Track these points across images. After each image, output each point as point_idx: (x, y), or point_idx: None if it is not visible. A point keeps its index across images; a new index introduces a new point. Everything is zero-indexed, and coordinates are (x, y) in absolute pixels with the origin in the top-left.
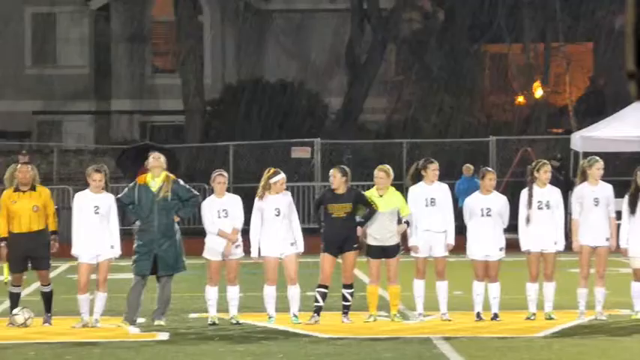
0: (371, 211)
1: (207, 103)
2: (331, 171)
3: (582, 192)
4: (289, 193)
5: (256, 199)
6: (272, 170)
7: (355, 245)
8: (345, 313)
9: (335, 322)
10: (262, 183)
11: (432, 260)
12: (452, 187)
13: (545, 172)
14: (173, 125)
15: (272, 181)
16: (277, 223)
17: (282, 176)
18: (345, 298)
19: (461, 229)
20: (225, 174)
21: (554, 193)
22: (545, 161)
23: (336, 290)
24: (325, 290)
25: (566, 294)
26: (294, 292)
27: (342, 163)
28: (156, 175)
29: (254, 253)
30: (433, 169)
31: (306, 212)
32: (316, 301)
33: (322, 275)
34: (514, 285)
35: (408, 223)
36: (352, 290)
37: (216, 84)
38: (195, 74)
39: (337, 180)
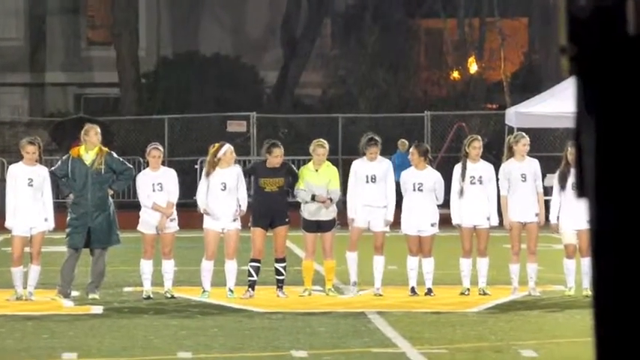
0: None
1: (142, 75)
2: (275, 150)
3: (509, 168)
4: (238, 167)
5: (203, 174)
6: (217, 145)
7: (287, 219)
8: (280, 287)
9: (270, 297)
10: (208, 159)
11: (371, 235)
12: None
13: (474, 147)
14: (108, 98)
15: (220, 153)
16: (222, 198)
17: (228, 146)
18: (278, 272)
19: (398, 204)
20: (161, 147)
21: (487, 169)
22: (476, 136)
23: (271, 264)
24: (258, 264)
25: (500, 270)
26: (231, 267)
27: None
28: (89, 148)
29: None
30: (373, 150)
31: None
32: (250, 275)
33: (254, 249)
34: (449, 260)
35: (331, 199)
36: (285, 264)
37: (152, 57)
38: (130, 47)
39: (279, 158)
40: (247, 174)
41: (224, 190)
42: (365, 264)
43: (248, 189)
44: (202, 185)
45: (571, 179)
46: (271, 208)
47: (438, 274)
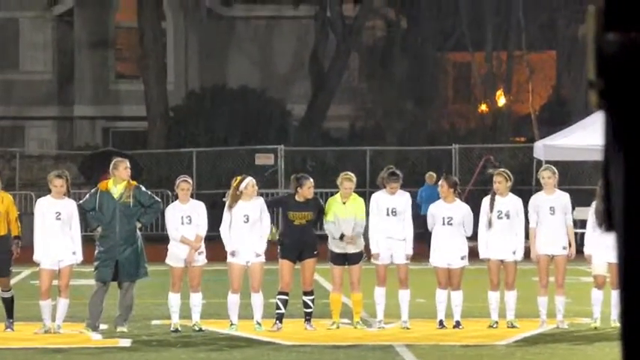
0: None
1: (170, 109)
2: (307, 182)
3: (537, 201)
4: (261, 199)
5: (226, 208)
6: (239, 178)
7: (315, 252)
8: (308, 320)
9: (297, 330)
10: (231, 192)
11: (395, 268)
12: (414, 195)
13: (494, 182)
14: (136, 131)
15: (242, 186)
16: (245, 230)
17: (250, 179)
18: (306, 305)
19: (424, 237)
20: (190, 180)
21: (515, 203)
22: (500, 171)
23: (298, 297)
24: (286, 297)
25: (529, 302)
26: (257, 300)
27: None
28: (118, 182)
29: (230, 249)
30: (394, 185)
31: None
32: (277, 308)
33: (282, 282)
34: (477, 293)
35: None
36: (313, 297)
37: (179, 90)
38: (158, 80)
39: (312, 189)
40: (274, 205)
41: (247, 223)
42: (392, 296)
43: (273, 221)
44: (225, 218)
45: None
46: (300, 240)
47: (466, 307)
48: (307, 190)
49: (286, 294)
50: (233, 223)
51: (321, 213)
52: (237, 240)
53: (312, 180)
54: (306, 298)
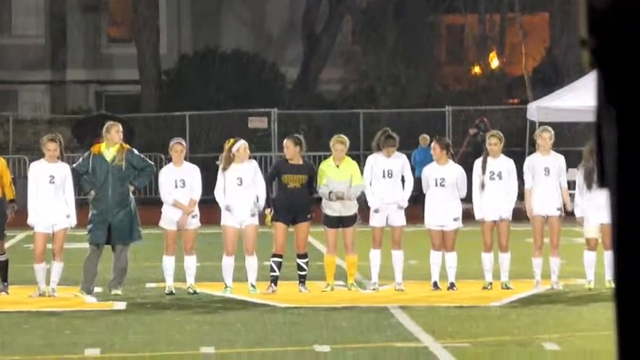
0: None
1: (163, 72)
2: (285, 141)
3: (533, 162)
4: (254, 161)
5: (219, 171)
6: (232, 141)
7: (309, 216)
8: (302, 283)
9: (292, 292)
10: (224, 155)
11: (389, 230)
12: (408, 158)
13: (488, 144)
14: (128, 95)
15: (234, 149)
16: (239, 193)
17: (242, 142)
18: (300, 268)
19: (418, 199)
20: (183, 142)
21: (507, 164)
22: (494, 132)
23: (293, 260)
24: (280, 259)
25: (523, 264)
26: (251, 262)
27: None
28: (111, 145)
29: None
30: (391, 149)
31: None
32: (272, 270)
33: (276, 245)
34: (471, 255)
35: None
36: (306, 260)
37: (172, 54)
38: (151, 44)
39: (291, 150)
40: (272, 177)
41: (240, 186)
42: (386, 259)
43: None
44: (219, 181)
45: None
46: (293, 204)
47: (460, 269)
48: (288, 149)
49: (280, 256)
50: (226, 185)
51: (313, 177)
52: (231, 202)
53: (294, 140)
54: (300, 261)
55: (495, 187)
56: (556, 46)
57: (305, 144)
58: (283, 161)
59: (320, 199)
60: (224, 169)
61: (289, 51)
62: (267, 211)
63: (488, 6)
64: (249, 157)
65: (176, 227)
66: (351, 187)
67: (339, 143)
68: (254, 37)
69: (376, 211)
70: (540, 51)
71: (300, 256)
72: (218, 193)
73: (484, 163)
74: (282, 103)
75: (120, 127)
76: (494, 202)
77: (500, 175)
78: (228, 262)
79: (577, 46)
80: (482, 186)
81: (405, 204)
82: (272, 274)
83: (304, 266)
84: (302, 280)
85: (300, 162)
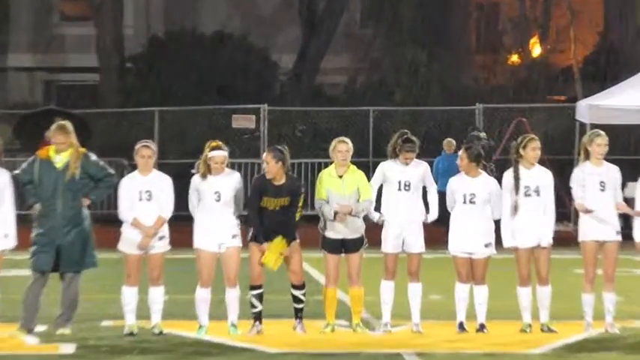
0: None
1: (128, 58)
2: (264, 156)
3: (584, 173)
4: (237, 174)
5: (195, 177)
6: (214, 143)
7: (296, 238)
8: (299, 318)
9: (283, 332)
10: (203, 157)
11: (405, 257)
12: (431, 165)
13: (532, 149)
14: (84, 85)
15: (210, 154)
16: (216, 211)
17: (221, 153)
18: (296, 300)
19: (441, 219)
20: (153, 146)
21: (544, 176)
22: (533, 136)
23: (282, 293)
24: (260, 291)
25: (569, 301)
26: (233, 296)
27: (293, 137)
28: (61, 149)
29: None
30: (409, 156)
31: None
32: (252, 306)
33: (252, 273)
34: (506, 288)
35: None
36: (304, 290)
37: (139, 36)
38: (114, 23)
39: (272, 167)
40: (257, 200)
41: (218, 202)
42: (401, 293)
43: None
44: (193, 193)
45: None
46: (272, 224)
47: (492, 306)
48: (268, 166)
49: (259, 287)
50: (202, 200)
51: (296, 198)
52: (205, 221)
53: (275, 155)
54: (297, 293)
55: (532, 205)
56: (612, 30)
57: (288, 156)
58: (263, 179)
59: (311, 218)
60: (202, 176)
61: (283, 34)
62: (265, 245)
63: None
64: (231, 168)
65: (139, 251)
66: (358, 202)
67: (342, 143)
68: (240, 16)
69: (381, 221)
70: (593, 36)
71: (296, 287)
72: (192, 205)
73: (516, 175)
74: (275, 97)
75: (70, 128)
76: (532, 224)
77: (537, 191)
78: (203, 296)
79: (637, 33)
80: (515, 206)
81: (432, 218)
82: (253, 310)
83: (302, 297)
84: (299, 314)
85: (283, 180)
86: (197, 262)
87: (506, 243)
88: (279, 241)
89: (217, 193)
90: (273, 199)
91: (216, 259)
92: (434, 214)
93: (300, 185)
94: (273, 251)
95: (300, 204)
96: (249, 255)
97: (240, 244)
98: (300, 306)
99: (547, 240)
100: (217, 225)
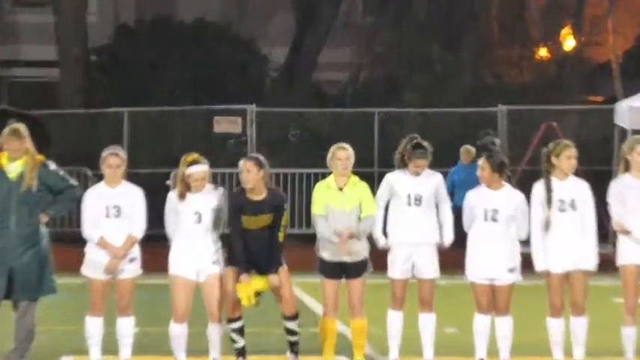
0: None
1: (92, 50)
2: (241, 162)
3: (623, 186)
4: (221, 190)
5: (171, 194)
6: (190, 157)
7: (282, 262)
8: (295, 353)
9: None
10: (179, 175)
11: (415, 283)
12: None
13: (567, 157)
14: (42, 82)
15: (188, 171)
16: (196, 233)
17: (201, 168)
18: (290, 332)
19: (458, 239)
20: (122, 153)
21: (581, 187)
22: (568, 142)
23: (274, 327)
24: (239, 324)
25: (608, 333)
26: (215, 331)
27: (285, 141)
28: (15, 157)
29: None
30: (420, 163)
31: None
32: (233, 341)
33: (228, 304)
34: (533, 320)
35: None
36: (298, 321)
37: (106, 24)
38: (76, 10)
39: (253, 176)
40: (236, 216)
41: (199, 223)
42: (411, 325)
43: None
44: (169, 212)
45: None
46: (254, 249)
47: (518, 340)
48: (249, 175)
49: (238, 319)
50: (180, 222)
51: (279, 215)
52: (182, 245)
53: (259, 160)
54: (290, 325)
55: (567, 222)
56: None
57: (268, 166)
58: (240, 194)
59: (312, 236)
60: (180, 197)
61: (274, 23)
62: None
63: None
64: (214, 179)
65: (105, 276)
66: (360, 220)
67: (341, 150)
68: (224, 3)
69: (386, 247)
70: (633, 28)
71: (288, 318)
72: (169, 228)
73: (548, 187)
74: (264, 97)
75: (24, 133)
76: (566, 244)
77: (573, 205)
78: (178, 331)
79: None
80: (548, 223)
81: (449, 241)
82: (236, 346)
83: (296, 329)
84: (294, 349)
85: (263, 195)
86: (172, 291)
87: (539, 266)
88: (259, 280)
89: (197, 214)
90: (253, 218)
91: (193, 289)
92: (449, 236)
93: (284, 199)
94: (249, 288)
95: (284, 222)
96: (224, 282)
97: (221, 270)
98: (294, 339)
99: (589, 263)
100: (197, 250)
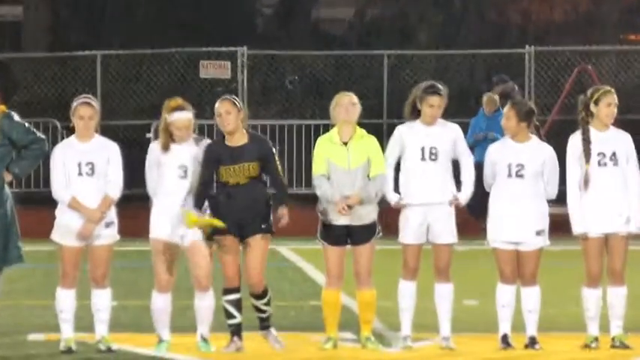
0: (281, 185)
1: None
2: (217, 105)
3: None
4: (205, 142)
5: (153, 145)
6: (174, 102)
7: (264, 226)
8: (266, 328)
9: (268, 349)
10: (161, 125)
11: (430, 249)
12: (464, 129)
13: (607, 104)
14: (3, 23)
15: (171, 118)
16: (181, 190)
17: (185, 115)
18: (258, 309)
19: (478, 198)
20: (94, 102)
21: (623, 140)
22: (609, 88)
23: (276, 298)
24: (237, 296)
25: None
26: (204, 302)
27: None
28: None
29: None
30: (435, 104)
31: None
32: (228, 316)
33: (226, 272)
34: (564, 291)
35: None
36: (266, 299)
37: None
38: None
39: (232, 118)
40: (210, 168)
41: (184, 178)
42: (426, 297)
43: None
44: (151, 166)
45: None
46: (237, 209)
47: (546, 314)
48: (228, 117)
49: (235, 290)
50: (162, 176)
51: (268, 163)
52: (168, 204)
53: (232, 102)
54: (257, 302)
55: (608, 178)
56: None
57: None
58: (220, 142)
59: (312, 196)
60: (163, 147)
61: None
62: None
63: None
64: (200, 131)
65: (78, 242)
66: (369, 179)
67: (345, 100)
68: None
69: (401, 205)
70: None
71: (256, 297)
72: (150, 184)
73: (586, 139)
74: (257, 37)
75: None
76: (606, 204)
77: (614, 159)
78: (159, 304)
79: None
80: (586, 180)
81: (466, 197)
82: (230, 321)
83: (263, 307)
84: (265, 324)
85: (244, 140)
86: (153, 257)
87: (577, 228)
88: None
89: (183, 167)
90: (234, 168)
91: (178, 254)
92: (467, 193)
93: (269, 144)
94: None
95: (278, 167)
96: (220, 251)
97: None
98: (264, 315)
99: (633, 225)
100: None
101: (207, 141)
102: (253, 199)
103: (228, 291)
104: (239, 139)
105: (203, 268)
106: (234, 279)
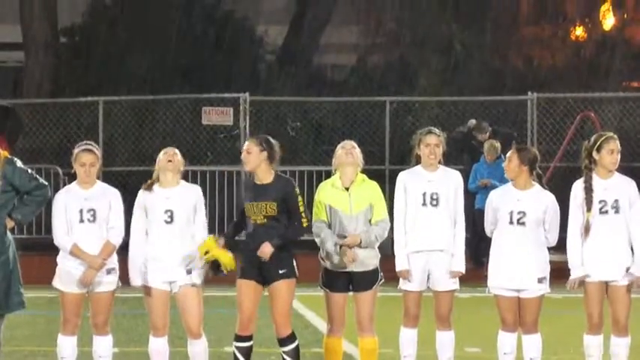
0: (291, 228)
1: (62, 31)
2: (246, 144)
3: None
4: (197, 188)
5: (141, 190)
6: (168, 153)
7: (281, 271)
8: None
9: None
10: (157, 167)
11: (431, 296)
12: (465, 177)
13: (610, 151)
14: (5, 67)
15: (159, 157)
16: (167, 236)
17: (171, 150)
18: (284, 358)
19: (480, 246)
20: (96, 149)
21: (626, 187)
22: (611, 134)
23: (273, 345)
24: (247, 344)
25: None
26: (197, 349)
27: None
28: None
29: (135, 281)
30: (432, 143)
31: (229, 215)
32: None
33: (240, 317)
34: (565, 338)
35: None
36: (294, 345)
37: (77, 2)
38: None
39: (254, 157)
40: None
41: (170, 223)
42: (427, 344)
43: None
44: (138, 217)
45: None
46: (258, 240)
47: None
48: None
49: (247, 338)
50: (149, 222)
51: (290, 203)
52: (154, 251)
53: (264, 141)
54: (284, 349)
55: (609, 226)
56: None
57: (278, 151)
58: (247, 181)
59: (313, 244)
60: (149, 187)
61: (271, 0)
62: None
63: None
64: (202, 177)
65: (80, 289)
66: (370, 225)
67: (347, 144)
68: None
69: (404, 275)
70: None
71: (282, 342)
72: (136, 237)
73: (588, 186)
74: (259, 84)
75: None
76: (607, 253)
77: (616, 207)
78: (156, 348)
79: None
80: (587, 228)
81: (461, 270)
82: None
83: (291, 355)
84: None
85: (269, 179)
86: (146, 303)
87: (576, 272)
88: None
89: (169, 212)
90: (254, 204)
91: (168, 299)
92: (459, 264)
93: (293, 184)
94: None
95: (301, 209)
96: (238, 293)
97: (199, 281)
98: None
99: (634, 273)
100: (168, 256)
101: (197, 188)
102: (271, 238)
103: (239, 338)
104: (264, 177)
105: (193, 316)
106: (246, 326)
